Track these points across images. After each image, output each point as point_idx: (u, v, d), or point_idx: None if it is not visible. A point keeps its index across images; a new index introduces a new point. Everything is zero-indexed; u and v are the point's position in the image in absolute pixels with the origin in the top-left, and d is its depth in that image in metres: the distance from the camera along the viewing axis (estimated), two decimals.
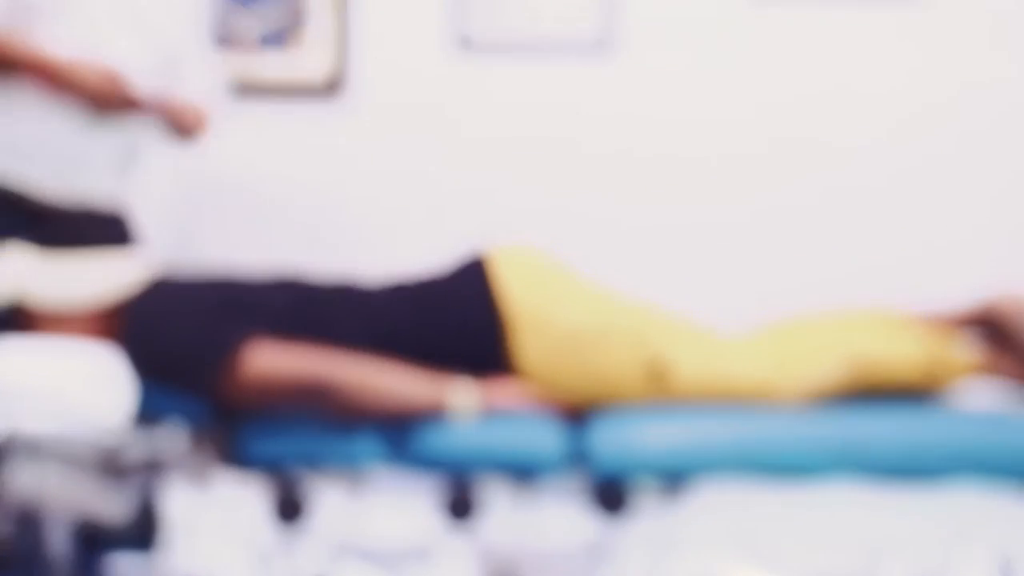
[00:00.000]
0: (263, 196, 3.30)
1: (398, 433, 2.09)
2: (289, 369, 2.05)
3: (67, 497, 2.23)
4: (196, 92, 2.75)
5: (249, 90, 3.23)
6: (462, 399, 2.10)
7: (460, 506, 2.08)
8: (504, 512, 2.10)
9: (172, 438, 2.09)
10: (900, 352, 2.32)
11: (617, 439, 2.07)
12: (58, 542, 2.21)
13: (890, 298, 3.36)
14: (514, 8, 3.34)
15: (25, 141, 2.57)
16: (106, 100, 2.53)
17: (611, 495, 2.10)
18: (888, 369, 2.31)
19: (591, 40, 3.36)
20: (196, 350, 2.05)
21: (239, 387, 2.06)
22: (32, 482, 2.16)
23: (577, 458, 2.11)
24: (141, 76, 2.64)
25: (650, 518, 2.12)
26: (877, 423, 2.11)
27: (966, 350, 2.34)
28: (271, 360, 2.05)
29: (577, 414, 2.22)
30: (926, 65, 3.40)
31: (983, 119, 3.41)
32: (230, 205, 3.30)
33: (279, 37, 3.29)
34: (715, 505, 2.15)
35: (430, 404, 2.10)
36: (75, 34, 2.62)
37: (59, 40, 2.59)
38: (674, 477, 2.09)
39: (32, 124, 2.55)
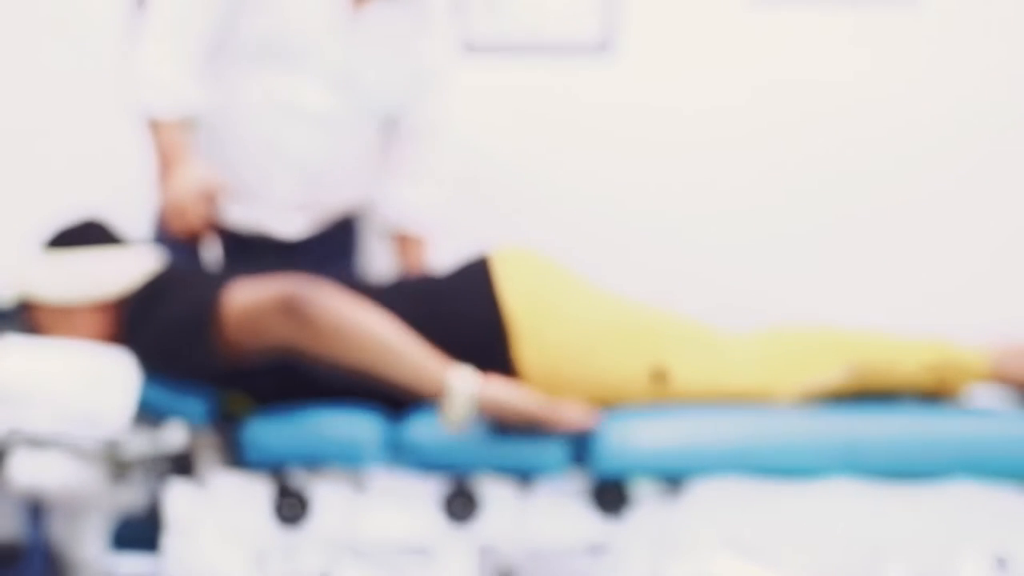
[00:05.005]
0: None
1: (398, 433, 2.09)
2: (265, 292, 2.09)
3: (70, 496, 2.23)
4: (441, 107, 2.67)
5: None
6: (462, 383, 2.07)
7: (460, 506, 2.08)
8: (504, 512, 2.10)
9: (173, 438, 2.09)
10: (904, 358, 2.31)
11: (617, 439, 2.06)
12: (60, 540, 2.21)
13: (890, 293, 3.38)
14: (515, 10, 3.35)
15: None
16: None
17: (611, 495, 2.10)
18: (892, 375, 2.30)
19: (592, 41, 3.37)
20: (186, 314, 2.09)
21: (229, 329, 2.09)
22: (35, 480, 2.16)
23: (577, 458, 2.11)
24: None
25: (650, 518, 2.12)
26: (876, 422, 2.11)
27: (972, 356, 2.32)
28: (249, 289, 2.10)
29: None
30: (923, 66, 3.41)
31: (982, 118, 3.42)
32: None
33: None
34: (715, 505, 2.14)
35: (433, 377, 2.08)
36: (328, 72, 2.50)
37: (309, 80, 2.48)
38: (674, 477, 2.08)
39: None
